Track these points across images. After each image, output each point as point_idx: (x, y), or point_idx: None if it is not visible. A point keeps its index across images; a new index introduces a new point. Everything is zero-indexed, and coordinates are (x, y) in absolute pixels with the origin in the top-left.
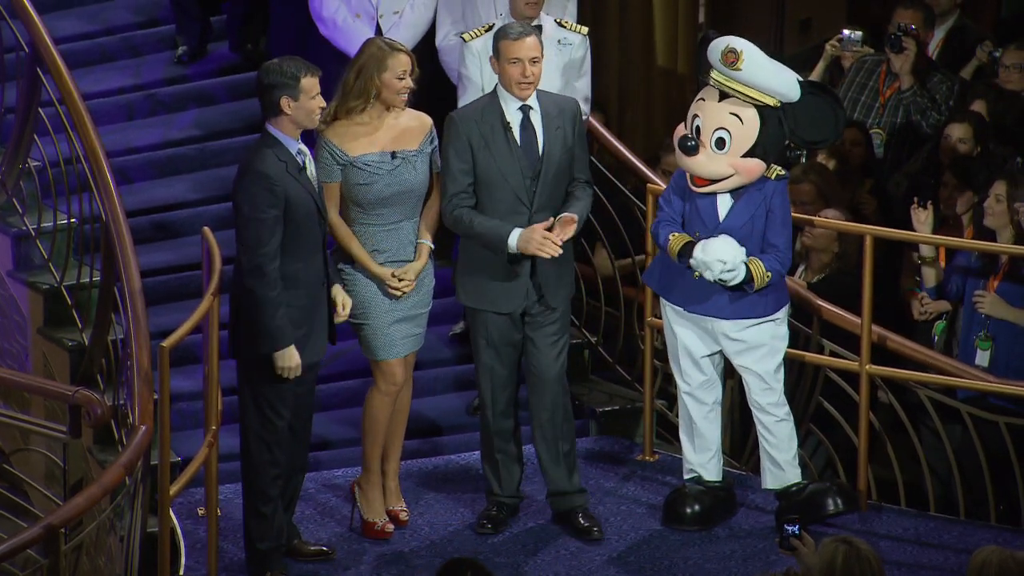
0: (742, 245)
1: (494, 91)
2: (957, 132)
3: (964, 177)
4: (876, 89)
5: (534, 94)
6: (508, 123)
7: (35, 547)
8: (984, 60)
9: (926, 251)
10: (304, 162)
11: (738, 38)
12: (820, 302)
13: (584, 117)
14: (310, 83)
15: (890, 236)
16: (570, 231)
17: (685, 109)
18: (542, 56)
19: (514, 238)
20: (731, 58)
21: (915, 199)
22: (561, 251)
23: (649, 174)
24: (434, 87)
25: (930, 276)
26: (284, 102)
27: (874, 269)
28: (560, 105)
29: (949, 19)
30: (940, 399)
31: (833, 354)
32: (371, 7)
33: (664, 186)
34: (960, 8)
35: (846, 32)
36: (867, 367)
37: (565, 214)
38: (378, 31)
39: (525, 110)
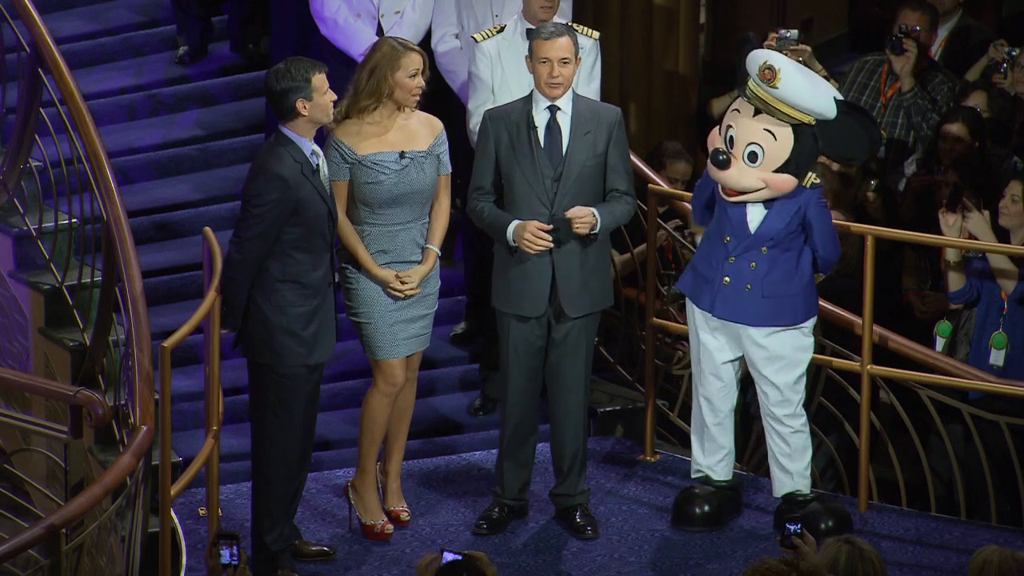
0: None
1: (530, 92)
2: (954, 130)
3: (968, 177)
4: (877, 89)
5: (569, 97)
6: (534, 124)
7: (36, 547)
8: (1000, 59)
9: (952, 255)
10: (318, 164)
11: (777, 54)
12: (822, 302)
13: None
14: (320, 80)
15: (891, 236)
16: (573, 214)
17: (685, 110)
18: (575, 58)
19: (511, 229)
20: (768, 75)
21: (943, 203)
22: (548, 244)
23: (650, 174)
24: (432, 90)
25: (955, 280)
26: (300, 104)
27: (875, 269)
28: (599, 113)
29: (952, 19)
30: (941, 399)
31: (834, 354)
32: (372, 7)
33: (665, 187)
34: (963, 8)
35: (782, 31)
36: (868, 367)
37: (578, 207)
38: (379, 31)
39: (553, 111)
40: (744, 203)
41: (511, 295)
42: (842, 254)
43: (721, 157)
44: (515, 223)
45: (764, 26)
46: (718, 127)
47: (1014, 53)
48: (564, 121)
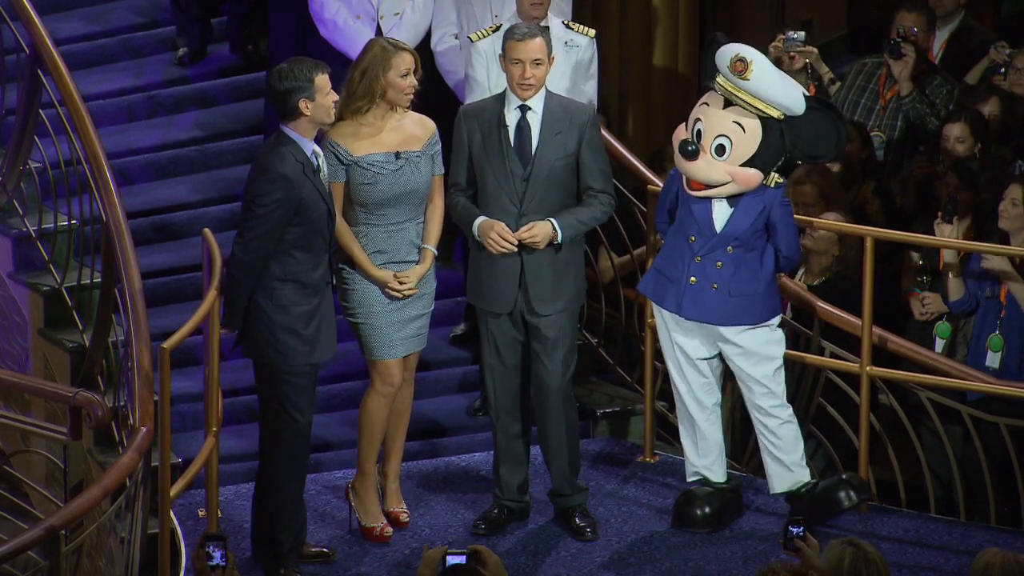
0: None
1: (504, 90)
2: (955, 131)
3: (967, 179)
4: (876, 92)
5: (541, 97)
6: (505, 123)
7: (36, 549)
8: (1000, 61)
9: (950, 257)
10: (318, 164)
11: (748, 47)
12: (821, 304)
13: None
14: (323, 80)
15: (890, 238)
16: (529, 235)
17: (685, 110)
18: (548, 59)
19: (476, 225)
20: (740, 67)
21: (939, 213)
22: (512, 248)
23: (649, 175)
24: (429, 91)
25: (955, 289)
26: (303, 104)
27: (874, 271)
28: (571, 111)
29: (953, 20)
30: (941, 400)
31: (834, 356)
32: (371, 8)
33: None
34: (965, 9)
35: (789, 32)
36: (868, 369)
37: (532, 226)
38: (379, 32)
39: (524, 111)
40: (709, 200)
41: (482, 291)
42: (841, 255)
43: (690, 148)
44: (480, 220)
45: (763, 26)
46: (684, 123)
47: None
48: (534, 121)
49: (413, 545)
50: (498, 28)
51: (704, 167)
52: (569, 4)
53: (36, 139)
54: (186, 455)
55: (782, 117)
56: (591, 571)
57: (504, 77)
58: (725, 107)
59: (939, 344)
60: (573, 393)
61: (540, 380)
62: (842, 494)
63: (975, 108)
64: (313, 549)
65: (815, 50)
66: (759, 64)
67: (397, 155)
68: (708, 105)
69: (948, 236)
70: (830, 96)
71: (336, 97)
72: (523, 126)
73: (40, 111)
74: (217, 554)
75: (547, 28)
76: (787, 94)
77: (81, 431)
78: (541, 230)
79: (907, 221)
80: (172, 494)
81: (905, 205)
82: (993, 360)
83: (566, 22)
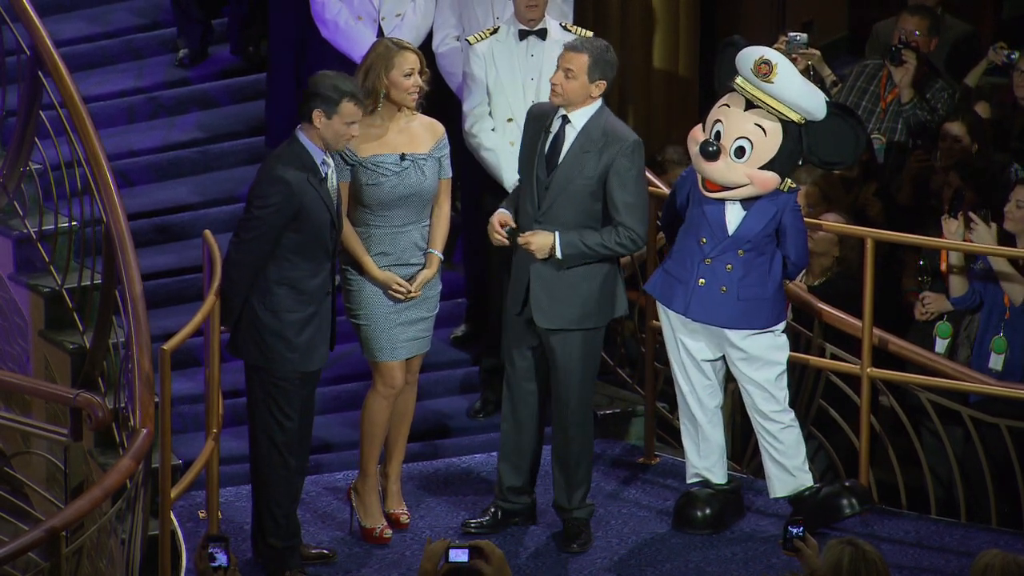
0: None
1: None
2: (953, 131)
3: (970, 179)
4: (877, 95)
5: (587, 113)
6: (549, 129)
7: (36, 550)
8: (999, 62)
9: (955, 259)
10: (327, 173)
11: (772, 49)
12: (821, 305)
13: None
14: (350, 109)
15: (891, 239)
16: (524, 241)
17: (686, 112)
18: (587, 77)
19: (495, 214)
20: (764, 69)
21: (946, 209)
22: (500, 240)
23: (650, 176)
24: (432, 93)
25: (957, 285)
26: (316, 115)
27: (875, 272)
28: (609, 136)
29: None
30: (941, 402)
31: (834, 357)
32: (373, 9)
33: (664, 189)
34: (942, 6)
35: (792, 33)
36: (868, 370)
37: (532, 232)
38: (380, 34)
39: (564, 121)
40: (723, 202)
41: (508, 289)
42: (841, 256)
43: (711, 148)
44: (501, 211)
45: (765, 28)
46: (701, 124)
47: (1013, 56)
48: (570, 135)
49: (413, 547)
50: (496, 30)
51: (723, 168)
52: (571, 6)
53: (37, 140)
54: (187, 456)
55: (802, 121)
56: (591, 573)
57: (501, 80)
58: (746, 109)
59: (940, 344)
60: (590, 416)
61: (555, 393)
62: (844, 501)
63: (973, 110)
64: (314, 551)
65: (817, 52)
66: (783, 67)
67: (402, 157)
68: (729, 107)
69: (955, 231)
70: (832, 98)
71: (356, 134)
72: (559, 136)
73: (41, 112)
74: (220, 555)
75: (543, 30)
76: (809, 98)
77: (82, 432)
78: (539, 239)
79: (907, 222)
80: (173, 496)
81: (901, 200)
82: (996, 362)
83: (564, 24)
